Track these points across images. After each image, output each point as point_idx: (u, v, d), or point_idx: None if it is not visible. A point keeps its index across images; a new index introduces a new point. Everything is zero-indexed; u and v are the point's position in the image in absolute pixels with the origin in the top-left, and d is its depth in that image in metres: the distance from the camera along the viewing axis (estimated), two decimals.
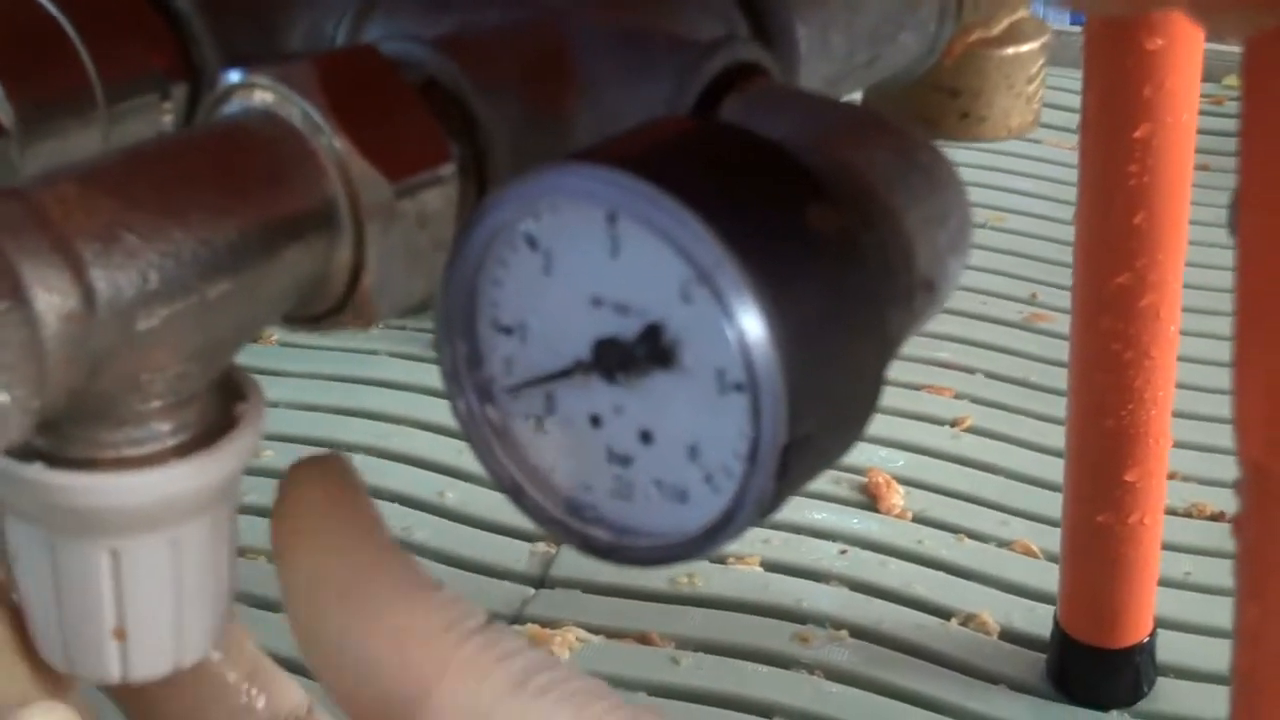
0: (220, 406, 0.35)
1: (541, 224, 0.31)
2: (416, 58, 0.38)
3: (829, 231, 0.30)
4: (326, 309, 0.36)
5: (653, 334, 0.30)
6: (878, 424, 0.96)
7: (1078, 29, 0.70)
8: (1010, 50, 0.56)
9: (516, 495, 0.33)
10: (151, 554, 0.34)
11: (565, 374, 0.31)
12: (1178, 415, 0.80)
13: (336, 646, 0.34)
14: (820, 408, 0.30)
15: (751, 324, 0.29)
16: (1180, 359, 0.78)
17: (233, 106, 0.36)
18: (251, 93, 0.36)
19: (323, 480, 0.35)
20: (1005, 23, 0.56)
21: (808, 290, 0.30)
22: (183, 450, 0.34)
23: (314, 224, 0.35)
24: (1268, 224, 0.29)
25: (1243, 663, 0.33)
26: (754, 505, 0.30)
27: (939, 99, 0.56)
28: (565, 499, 0.33)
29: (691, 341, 0.30)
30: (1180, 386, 0.80)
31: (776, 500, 0.30)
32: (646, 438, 0.31)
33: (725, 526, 0.30)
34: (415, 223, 0.36)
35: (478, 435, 0.33)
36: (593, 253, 0.31)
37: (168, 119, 0.42)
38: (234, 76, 0.36)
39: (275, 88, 0.35)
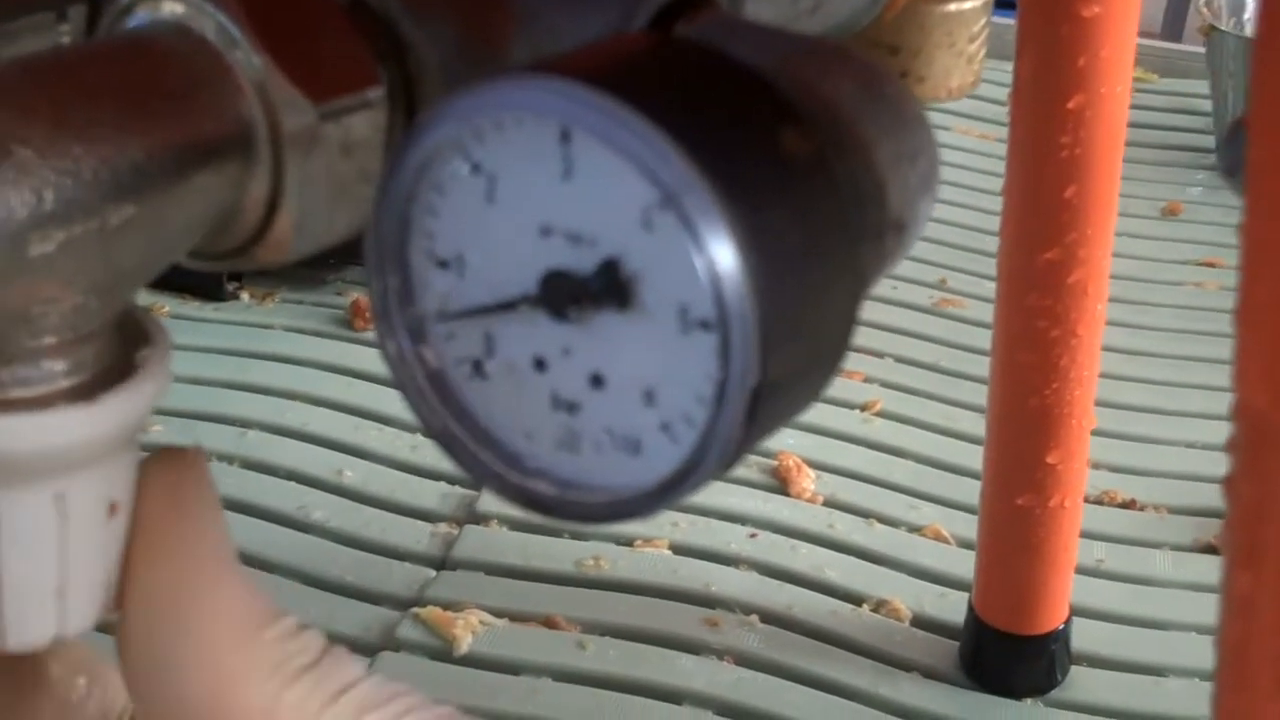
0: (121, 349, 0.32)
1: (484, 144, 0.28)
2: None
3: (804, 157, 0.28)
4: (238, 243, 0.33)
5: (610, 268, 0.27)
6: None
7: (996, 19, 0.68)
8: (953, 6, 0.54)
9: (450, 446, 0.30)
10: (34, 509, 0.31)
11: (509, 306, 0.28)
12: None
13: (160, 672, 0.32)
14: (793, 348, 0.27)
15: (723, 253, 0.26)
16: None
17: (139, 19, 0.33)
18: (159, 3, 0.33)
19: (170, 482, 0.33)
20: None
21: (782, 219, 0.27)
22: (78, 393, 0.31)
23: (228, 148, 0.32)
24: (1278, 158, 0.27)
25: (1232, 634, 0.31)
26: (719, 455, 0.27)
27: (878, 57, 0.54)
28: (504, 450, 0.30)
29: (652, 275, 0.27)
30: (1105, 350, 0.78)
31: (741, 450, 0.28)
32: (597, 382, 0.28)
33: (686, 478, 0.28)
34: (339, 151, 0.33)
35: (408, 379, 0.30)
36: (542, 176, 0.28)
37: (65, 41, 0.39)
38: None
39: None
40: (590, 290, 0.27)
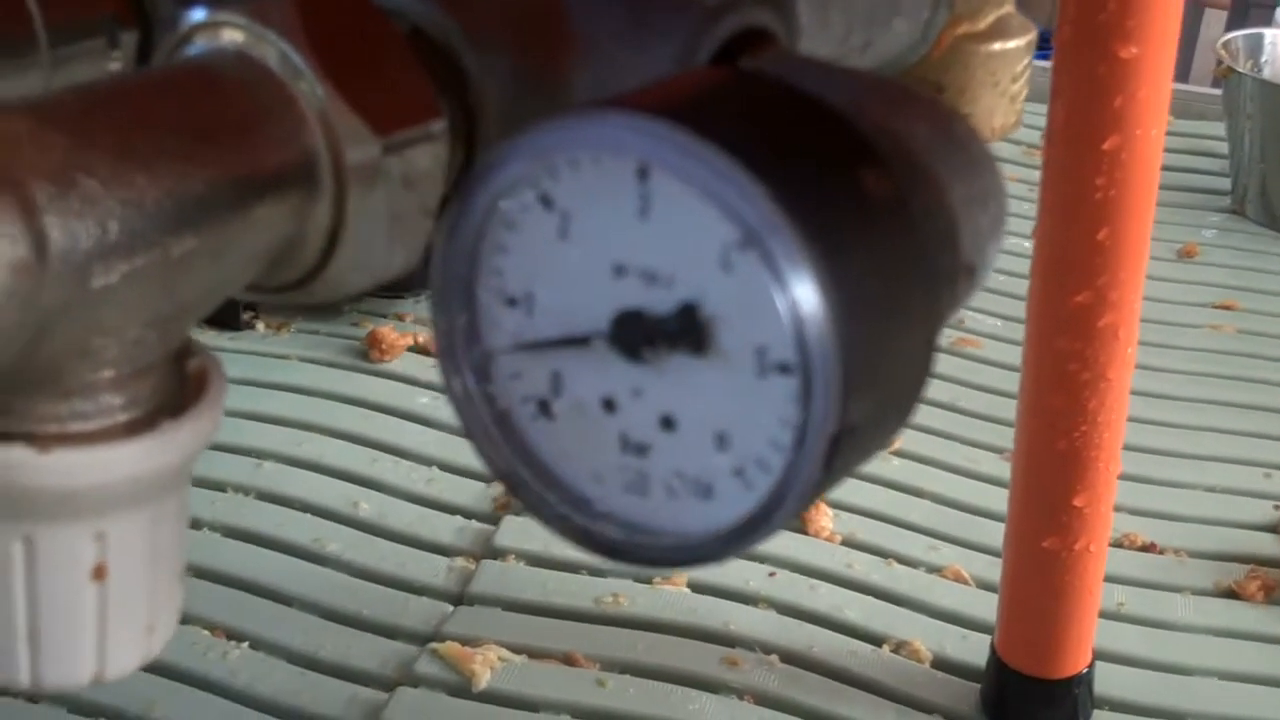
0: (177, 384, 0.31)
1: (558, 180, 0.28)
2: (401, 4, 0.34)
3: (885, 198, 0.27)
4: (297, 277, 0.33)
5: (688, 311, 0.27)
6: None
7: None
8: (997, 46, 0.53)
9: (515, 487, 0.30)
10: (72, 546, 0.30)
11: (580, 341, 0.28)
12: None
13: None
14: (873, 392, 0.27)
15: (806, 295, 0.25)
16: None
17: (198, 47, 0.32)
18: (219, 31, 0.32)
19: None
20: (991, 17, 0.53)
21: (864, 261, 0.26)
22: (133, 429, 0.30)
23: (291, 179, 0.31)
24: None
25: None
26: (796, 500, 0.27)
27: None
28: (571, 492, 0.29)
29: (730, 316, 0.27)
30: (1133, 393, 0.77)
31: (816, 496, 0.27)
32: (668, 424, 0.28)
33: (760, 524, 0.27)
34: (401, 183, 0.32)
35: (473, 419, 0.30)
36: (618, 214, 0.27)
37: (115, 67, 0.38)
38: (199, 14, 0.32)
39: (250, 26, 0.32)
40: (666, 332, 0.27)
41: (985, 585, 0.89)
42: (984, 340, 1.17)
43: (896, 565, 0.92)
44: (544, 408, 0.29)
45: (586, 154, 0.27)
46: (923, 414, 1.06)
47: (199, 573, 0.85)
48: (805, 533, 0.93)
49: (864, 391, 0.26)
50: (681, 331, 0.27)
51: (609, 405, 0.28)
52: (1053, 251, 0.71)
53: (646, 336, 0.27)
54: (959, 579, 0.92)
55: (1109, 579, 0.88)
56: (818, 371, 0.25)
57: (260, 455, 0.96)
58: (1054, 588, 0.78)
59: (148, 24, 0.39)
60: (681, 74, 0.29)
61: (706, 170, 0.26)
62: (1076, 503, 0.75)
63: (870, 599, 0.89)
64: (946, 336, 1.18)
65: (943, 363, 1.13)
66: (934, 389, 1.11)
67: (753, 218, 0.25)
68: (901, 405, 0.28)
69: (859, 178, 0.27)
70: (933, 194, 0.30)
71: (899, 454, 1.03)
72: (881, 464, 1.01)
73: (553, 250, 0.28)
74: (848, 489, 0.97)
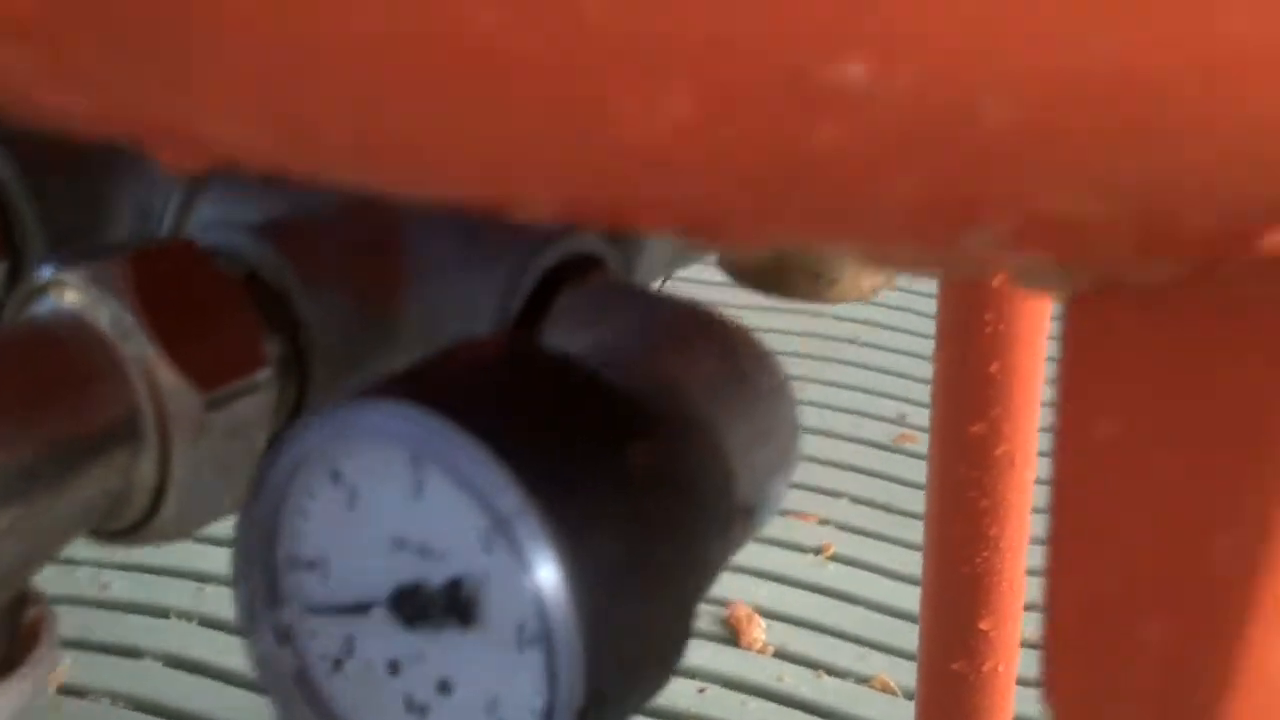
0: (6, 640, 0.33)
1: (348, 458, 0.30)
2: (240, 248, 0.37)
3: (644, 469, 0.29)
4: (127, 525, 0.35)
5: (454, 587, 0.29)
6: (742, 553, 0.93)
7: None
8: None
9: None
10: None
11: (360, 610, 0.30)
12: (1032, 542, 0.80)
13: None
14: (622, 664, 0.29)
15: (549, 577, 0.28)
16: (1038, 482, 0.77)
17: (43, 305, 0.34)
18: (62, 292, 0.34)
19: None
20: None
21: (618, 539, 0.29)
22: None
23: (116, 439, 0.33)
24: (1077, 470, 0.29)
25: None
26: None
27: (791, 260, 0.56)
28: None
29: (492, 592, 0.29)
30: (1035, 511, 0.79)
31: None
32: (445, 688, 0.30)
33: None
34: (225, 435, 0.34)
35: (274, 680, 0.32)
36: (396, 493, 0.29)
37: None
38: (46, 272, 0.35)
39: (86, 289, 0.34)
40: (437, 605, 0.29)
41: (910, 694, 0.91)
42: (921, 435, 1.19)
43: (826, 677, 0.94)
44: (337, 666, 0.31)
45: (365, 439, 0.29)
46: (861, 515, 1.09)
47: (139, 705, 0.87)
48: (738, 645, 0.95)
49: (612, 666, 0.28)
50: (450, 606, 0.29)
51: (394, 668, 0.30)
52: (948, 383, 0.73)
53: (420, 609, 0.29)
54: (886, 689, 0.94)
55: (1029, 684, 0.90)
56: (561, 650, 0.28)
57: (202, 579, 0.97)
58: (964, 709, 0.79)
59: (17, 254, 0.41)
60: (461, 349, 0.31)
61: (465, 459, 0.28)
62: (982, 626, 0.77)
63: (799, 713, 0.91)
64: (886, 433, 1.20)
65: (880, 460, 1.16)
66: (873, 488, 1.13)
67: (502, 504, 0.28)
68: (656, 669, 0.30)
69: (620, 452, 0.29)
70: (708, 445, 0.33)
71: (835, 558, 1.05)
72: (817, 569, 1.03)
73: (343, 521, 0.30)
74: (782, 597, 0.99)
